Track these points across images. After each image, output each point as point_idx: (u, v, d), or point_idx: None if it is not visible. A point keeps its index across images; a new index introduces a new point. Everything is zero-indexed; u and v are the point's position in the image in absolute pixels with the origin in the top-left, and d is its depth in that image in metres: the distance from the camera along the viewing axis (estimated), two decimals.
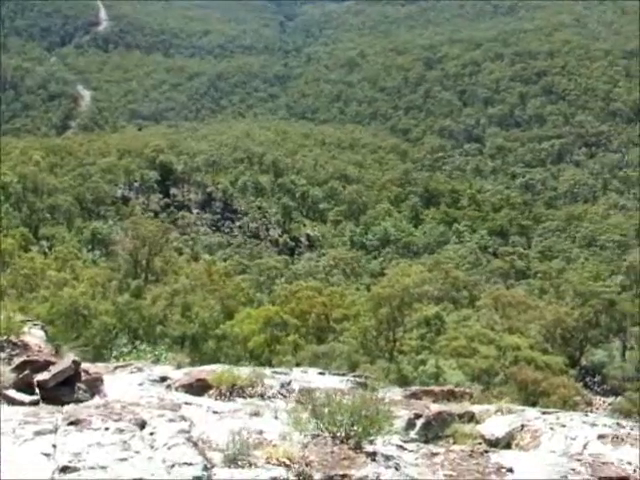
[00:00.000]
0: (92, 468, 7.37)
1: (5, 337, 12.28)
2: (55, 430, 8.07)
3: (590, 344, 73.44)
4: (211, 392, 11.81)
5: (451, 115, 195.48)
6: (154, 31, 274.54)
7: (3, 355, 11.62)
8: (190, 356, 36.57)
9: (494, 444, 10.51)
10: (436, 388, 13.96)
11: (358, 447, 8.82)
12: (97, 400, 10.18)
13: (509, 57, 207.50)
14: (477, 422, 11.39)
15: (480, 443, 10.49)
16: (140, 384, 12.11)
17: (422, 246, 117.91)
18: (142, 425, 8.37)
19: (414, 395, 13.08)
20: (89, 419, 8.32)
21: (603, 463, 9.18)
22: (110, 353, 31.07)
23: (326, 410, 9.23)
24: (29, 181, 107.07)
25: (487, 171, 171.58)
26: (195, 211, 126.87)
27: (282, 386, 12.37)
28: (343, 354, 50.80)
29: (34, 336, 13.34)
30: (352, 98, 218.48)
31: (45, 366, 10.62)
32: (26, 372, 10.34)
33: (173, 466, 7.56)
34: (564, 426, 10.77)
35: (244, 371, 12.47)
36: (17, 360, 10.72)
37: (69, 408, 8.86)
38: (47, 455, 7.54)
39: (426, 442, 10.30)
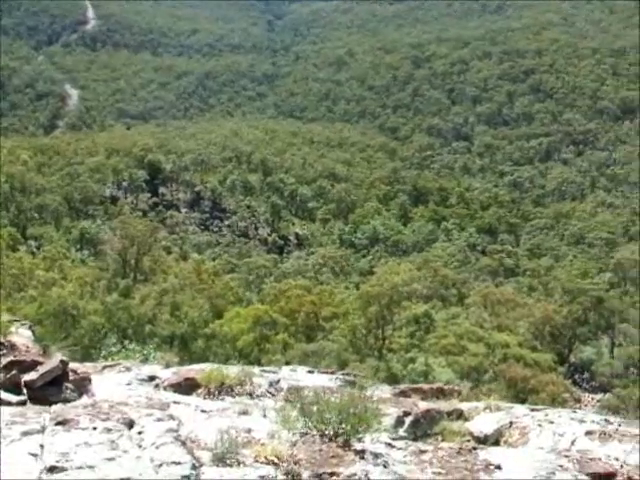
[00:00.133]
0: (80, 468, 7.35)
1: None
2: (42, 430, 8.05)
3: (579, 341, 73.64)
4: (200, 391, 11.80)
5: (439, 113, 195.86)
6: (142, 30, 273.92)
7: None
8: (179, 355, 36.40)
9: (483, 441, 10.54)
10: (425, 386, 13.99)
11: (347, 445, 8.83)
12: (85, 400, 10.13)
13: (497, 56, 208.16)
14: (466, 419, 11.43)
15: (469, 440, 10.52)
16: (128, 383, 12.08)
17: (411, 244, 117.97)
18: (130, 424, 8.35)
19: (403, 393, 13.11)
20: (77, 419, 8.29)
21: (591, 459, 9.23)
22: (99, 353, 30.90)
23: (315, 408, 9.23)
24: (17, 181, 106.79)
25: (475, 169, 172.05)
26: (184, 210, 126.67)
27: (271, 385, 12.37)
28: (332, 352, 50.72)
29: (22, 336, 13.28)
30: (340, 97, 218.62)
31: (32, 366, 10.57)
32: (13, 372, 10.29)
33: (161, 465, 7.55)
34: (552, 423, 10.82)
35: (233, 370, 12.46)
36: (4, 360, 10.66)
37: (57, 408, 8.83)
38: (34, 455, 7.51)
39: (415, 440, 10.32)
